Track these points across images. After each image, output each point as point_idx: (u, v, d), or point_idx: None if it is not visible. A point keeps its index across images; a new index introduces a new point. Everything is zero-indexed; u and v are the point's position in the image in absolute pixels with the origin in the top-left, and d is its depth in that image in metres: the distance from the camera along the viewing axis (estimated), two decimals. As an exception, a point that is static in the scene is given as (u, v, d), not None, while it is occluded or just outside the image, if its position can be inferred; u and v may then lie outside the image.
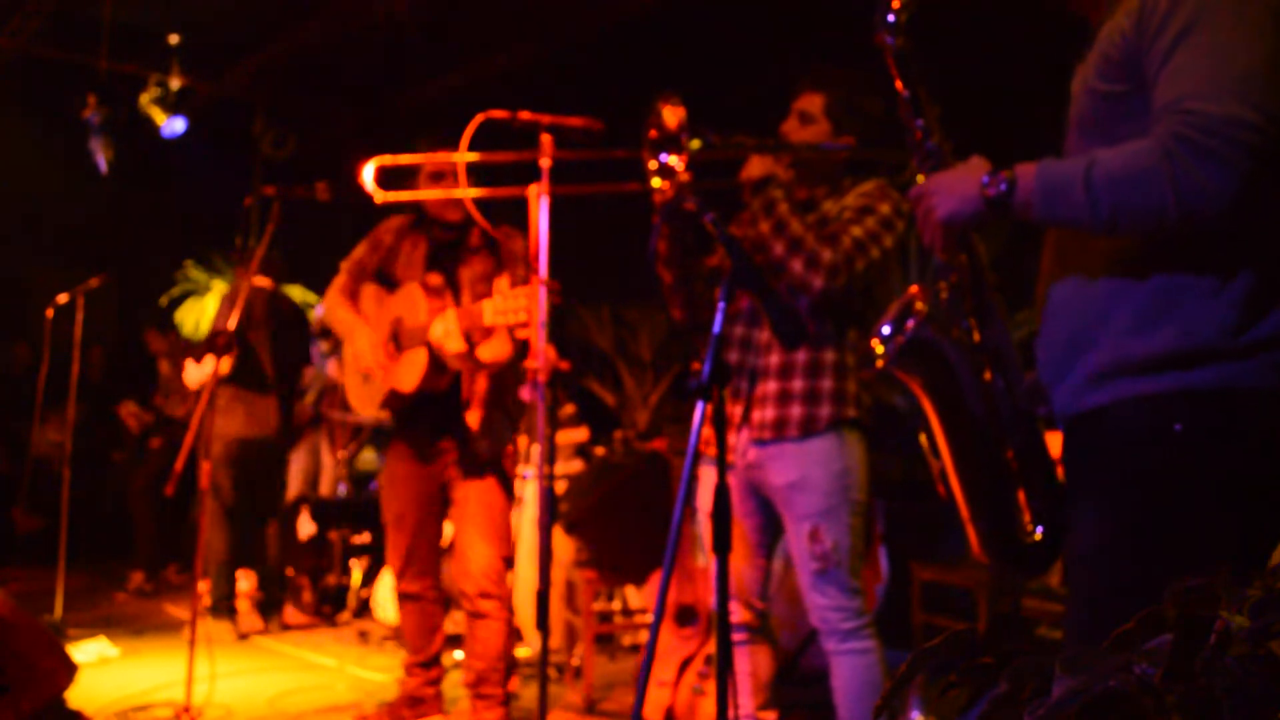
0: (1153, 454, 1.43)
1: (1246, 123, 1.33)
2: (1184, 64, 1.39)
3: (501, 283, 2.98)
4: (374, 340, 3.29)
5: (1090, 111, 1.54)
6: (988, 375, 1.63)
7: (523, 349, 3.27)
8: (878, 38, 1.72)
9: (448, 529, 3.54)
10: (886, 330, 1.68)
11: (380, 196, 2.81)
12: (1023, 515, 1.60)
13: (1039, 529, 1.59)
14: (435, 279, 3.24)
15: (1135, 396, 1.45)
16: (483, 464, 3.28)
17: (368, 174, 2.74)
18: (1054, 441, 1.63)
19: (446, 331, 3.05)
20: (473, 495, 3.27)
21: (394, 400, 3.25)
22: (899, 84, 1.71)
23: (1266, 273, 1.42)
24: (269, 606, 5.23)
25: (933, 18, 1.74)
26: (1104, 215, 1.41)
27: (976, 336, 1.65)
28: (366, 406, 3.36)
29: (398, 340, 3.27)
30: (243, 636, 4.90)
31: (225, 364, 4.85)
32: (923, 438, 1.74)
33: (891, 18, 1.70)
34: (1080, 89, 1.56)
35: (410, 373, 3.19)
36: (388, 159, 2.82)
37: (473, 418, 3.26)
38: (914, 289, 1.71)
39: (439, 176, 3.21)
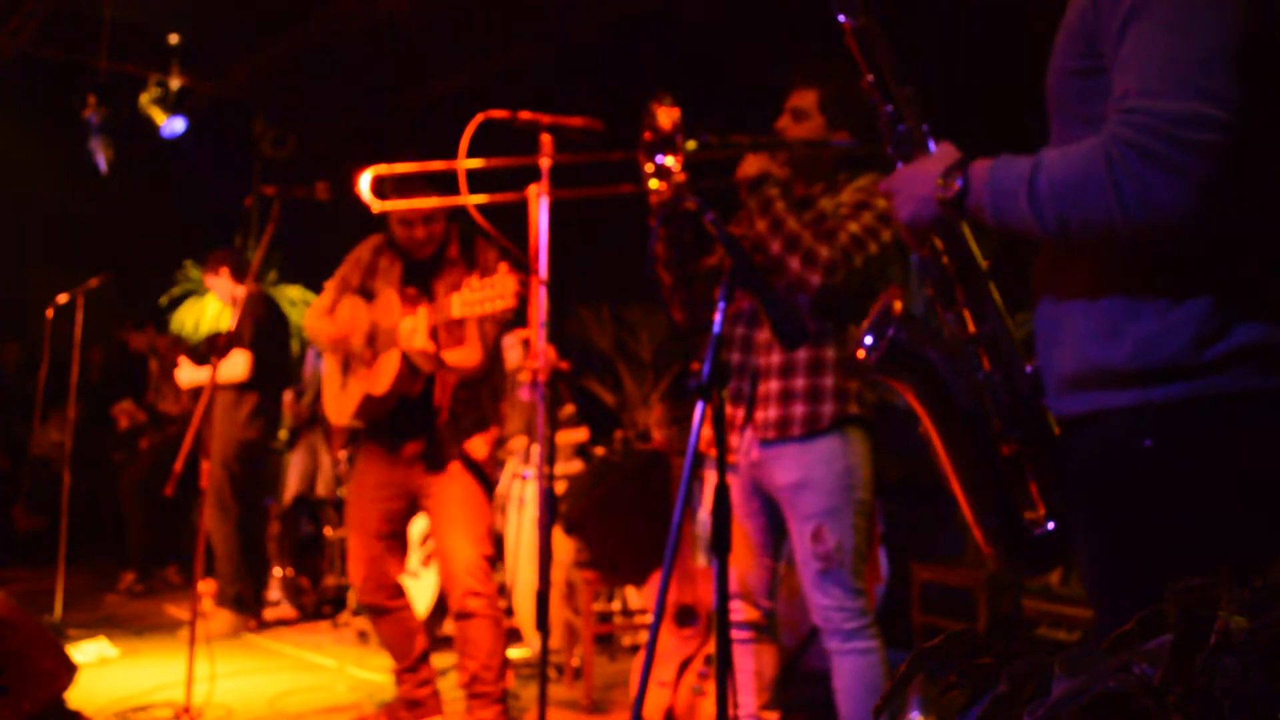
0: (1128, 471, 1.35)
1: (1203, 119, 1.18)
2: (1133, 51, 1.25)
3: (471, 279, 2.96)
4: (339, 330, 3.28)
5: (1059, 90, 1.43)
6: (986, 366, 1.55)
7: (494, 355, 3.26)
8: (837, 16, 1.61)
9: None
10: (869, 340, 1.62)
11: (377, 206, 2.80)
12: (1035, 509, 1.54)
13: (1050, 523, 1.52)
14: (411, 290, 3.24)
15: (1105, 409, 1.36)
16: (454, 463, 3.25)
17: (364, 183, 2.73)
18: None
19: (413, 329, 3.03)
20: (449, 495, 3.25)
21: (367, 407, 3.24)
22: (863, 67, 1.60)
23: (1236, 279, 1.30)
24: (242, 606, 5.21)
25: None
26: (1051, 227, 1.30)
27: (971, 328, 1.56)
28: (341, 416, 3.35)
29: (373, 345, 3.27)
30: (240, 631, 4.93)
31: (239, 365, 4.90)
32: (922, 430, 1.68)
33: None
34: (1051, 64, 1.45)
35: (383, 376, 3.18)
36: (383, 168, 2.80)
37: (443, 422, 3.25)
38: (892, 290, 1.67)
39: (404, 185, 3.08)
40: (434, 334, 3.06)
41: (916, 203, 1.48)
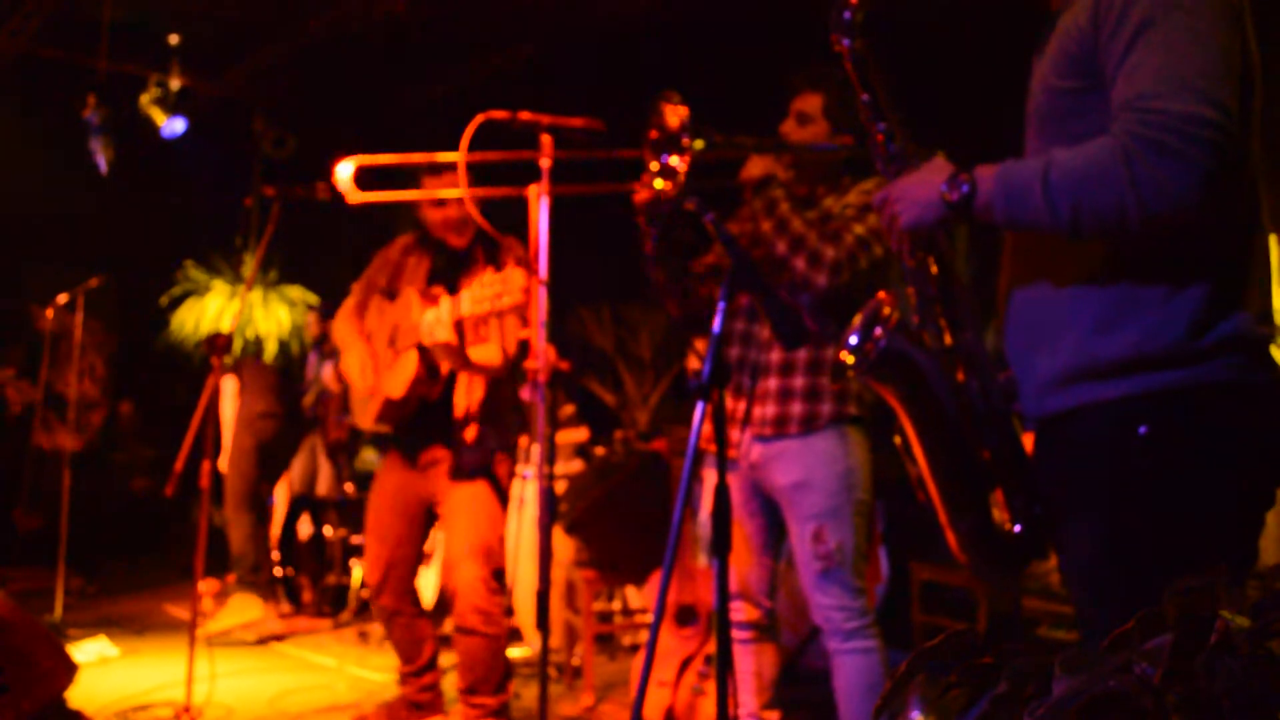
0: (1122, 459, 1.42)
1: (1206, 120, 1.31)
2: (1141, 61, 1.37)
3: (484, 275, 2.93)
4: (364, 360, 3.25)
5: (1048, 108, 1.52)
6: (960, 377, 1.61)
7: (517, 360, 3.23)
8: (833, 39, 1.68)
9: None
10: (854, 340, 1.65)
11: (356, 197, 2.77)
12: (1001, 513, 1.60)
13: (1017, 526, 1.58)
14: (436, 290, 3.20)
15: (1098, 402, 1.44)
16: (472, 476, 3.21)
17: (345, 172, 2.71)
18: (1030, 440, 1.62)
19: (437, 319, 2.97)
20: (461, 509, 3.20)
21: (388, 411, 3.21)
22: (858, 87, 1.67)
23: (1223, 276, 1.41)
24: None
25: (895, 12, 1.72)
26: (1064, 218, 1.38)
27: (948, 339, 1.63)
28: (365, 420, 3.34)
29: (394, 344, 3.24)
30: (261, 641, 4.90)
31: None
32: (898, 440, 1.72)
33: (848, 16, 1.66)
34: (1038, 85, 1.54)
35: (400, 378, 3.15)
36: (366, 159, 2.79)
37: (467, 431, 3.22)
38: (881, 294, 1.70)
39: (435, 171, 3.14)
40: (458, 328, 2.99)
41: (920, 208, 1.53)
